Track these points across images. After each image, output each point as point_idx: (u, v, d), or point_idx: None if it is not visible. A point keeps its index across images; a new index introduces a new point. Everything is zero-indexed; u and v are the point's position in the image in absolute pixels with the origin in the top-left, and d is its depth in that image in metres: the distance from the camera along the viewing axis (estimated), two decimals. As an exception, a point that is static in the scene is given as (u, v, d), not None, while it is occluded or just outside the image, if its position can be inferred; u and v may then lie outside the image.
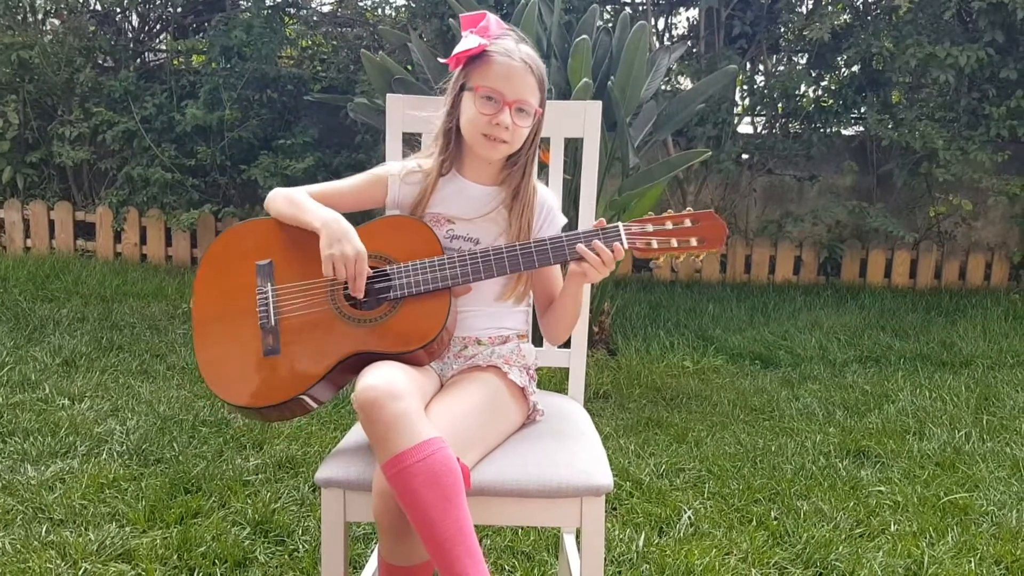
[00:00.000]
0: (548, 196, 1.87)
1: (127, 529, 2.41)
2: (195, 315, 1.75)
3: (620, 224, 1.69)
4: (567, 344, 2.04)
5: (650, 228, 1.68)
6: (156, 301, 5.01)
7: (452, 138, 1.80)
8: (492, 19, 1.76)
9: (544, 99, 1.78)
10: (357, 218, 1.72)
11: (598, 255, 1.66)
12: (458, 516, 1.48)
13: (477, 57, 1.73)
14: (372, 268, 1.70)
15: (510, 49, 1.72)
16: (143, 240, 6.14)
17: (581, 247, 1.66)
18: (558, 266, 1.83)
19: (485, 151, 1.75)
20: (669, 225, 1.68)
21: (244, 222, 1.82)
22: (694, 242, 1.68)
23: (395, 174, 1.84)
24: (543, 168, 2.20)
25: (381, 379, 1.53)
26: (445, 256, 1.69)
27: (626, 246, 1.67)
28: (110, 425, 3.12)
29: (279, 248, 1.75)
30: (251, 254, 1.75)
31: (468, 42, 1.73)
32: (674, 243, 1.68)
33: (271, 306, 1.70)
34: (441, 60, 1.86)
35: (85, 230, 6.28)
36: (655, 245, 1.68)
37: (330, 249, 1.67)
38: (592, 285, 1.95)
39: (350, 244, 1.67)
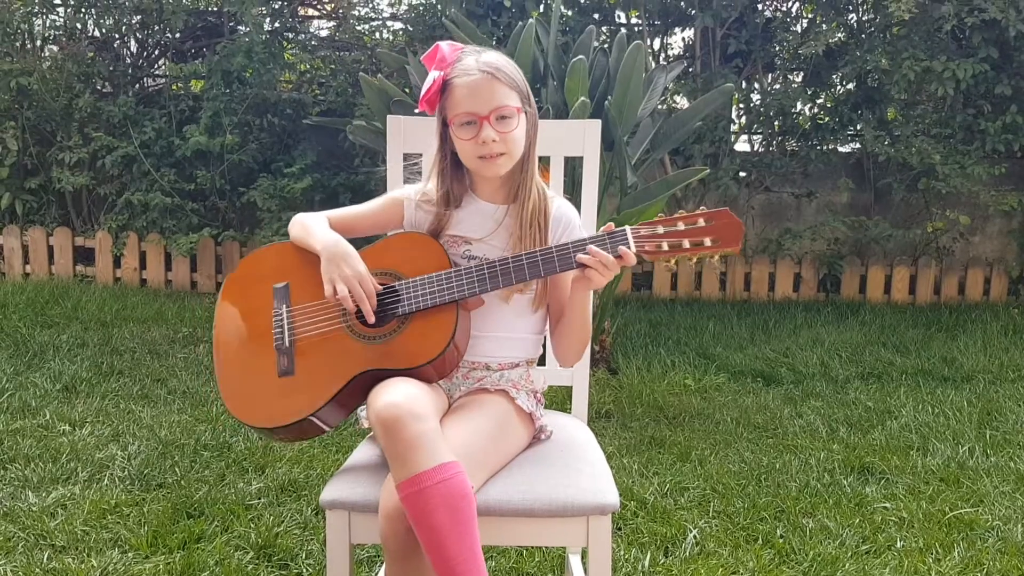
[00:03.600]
0: (566, 210, 1.84)
1: (130, 555, 2.40)
2: (216, 338, 1.77)
3: (628, 228, 1.63)
4: (570, 363, 2.04)
5: (660, 230, 1.62)
6: (156, 326, 5.00)
7: (449, 174, 1.79)
8: (443, 47, 1.75)
9: (526, 94, 1.74)
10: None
11: (598, 259, 1.61)
12: (471, 542, 1.48)
13: (444, 90, 1.72)
14: (382, 285, 1.71)
15: (468, 67, 1.70)
16: (143, 265, 6.13)
17: (580, 255, 1.63)
18: (571, 283, 1.82)
19: (490, 171, 1.74)
20: (681, 226, 1.61)
21: (264, 247, 1.86)
22: (708, 242, 1.60)
23: (411, 197, 1.86)
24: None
25: (403, 396, 1.53)
26: (452, 270, 1.69)
27: (633, 250, 1.62)
28: (111, 450, 3.11)
29: (296, 271, 1.78)
30: (269, 277, 1.79)
31: (427, 81, 1.73)
32: (686, 244, 1.61)
33: (285, 328, 1.72)
34: (416, 111, 1.86)
35: (84, 255, 6.28)
36: (666, 247, 1.61)
37: (329, 272, 1.69)
38: (593, 304, 1.95)
39: (349, 266, 1.68)
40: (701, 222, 1.61)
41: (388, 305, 1.70)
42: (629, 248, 1.62)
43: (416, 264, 1.72)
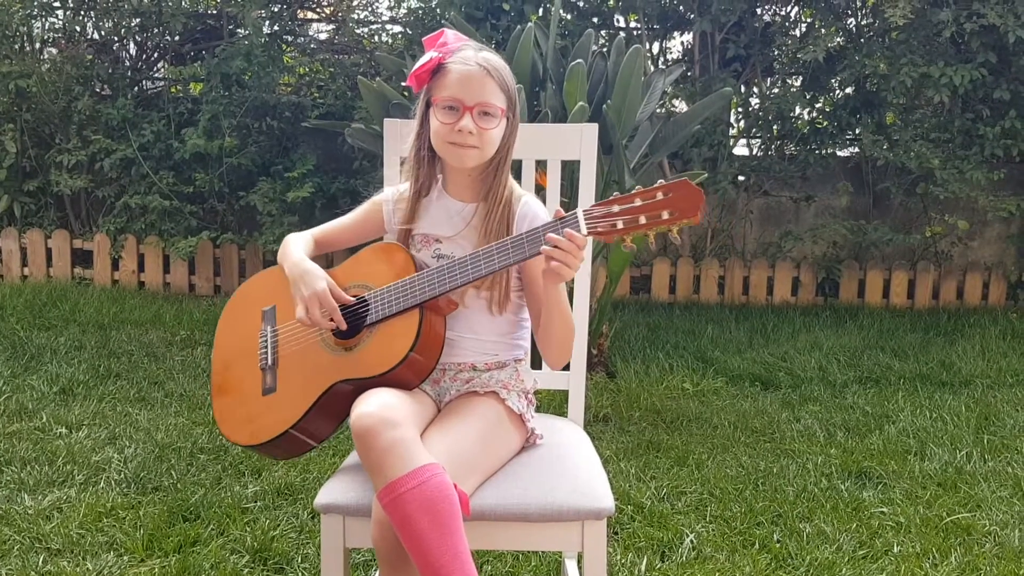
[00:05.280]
0: (532, 205, 1.81)
1: (125, 558, 2.39)
2: (213, 365, 1.83)
3: (579, 209, 1.58)
4: (566, 366, 2.03)
5: (615, 208, 1.55)
6: (154, 328, 5.00)
7: (425, 158, 1.80)
8: (450, 34, 1.77)
9: (513, 101, 1.76)
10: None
11: (558, 247, 1.56)
12: (454, 543, 1.46)
13: (437, 72, 1.74)
14: (354, 297, 1.74)
15: (466, 57, 1.72)
16: (141, 267, 6.13)
17: (544, 248, 1.58)
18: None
19: (455, 160, 1.75)
20: (638, 202, 1.54)
21: (258, 273, 1.92)
22: (665, 215, 1.52)
23: (388, 200, 1.88)
24: (540, 191, 2.20)
25: (376, 406, 1.53)
26: (416, 275, 1.70)
27: (584, 232, 1.56)
28: (108, 453, 3.10)
29: (281, 292, 1.81)
30: (259, 302, 1.84)
31: (423, 58, 1.74)
32: (643, 220, 1.53)
33: (269, 347, 1.76)
34: (403, 84, 1.87)
35: (83, 258, 6.27)
36: (620, 225, 1.55)
37: (294, 293, 1.74)
38: (590, 307, 1.94)
39: (306, 285, 1.72)
40: (659, 195, 1.54)
41: (360, 317, 1.72)
42: (580, 230, 1.57)
43: (384, 274, 1.74)
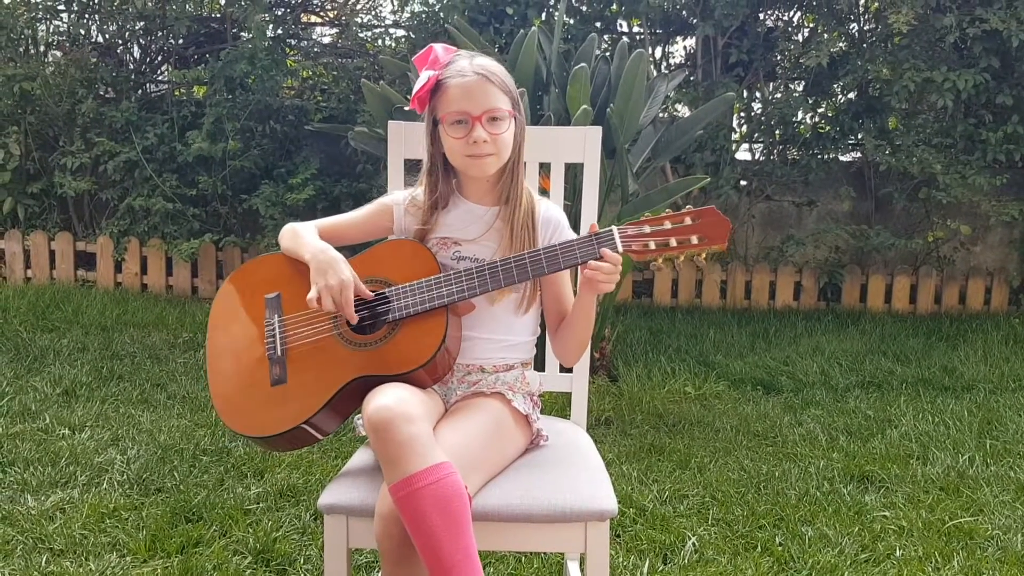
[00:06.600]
0: (553, 211, 1.86)
1: (128, 559, 2.40)
2: (208, 350, 1.79)
3: (614, 227, 1.65)
4: (569, 369, 2.04)
5: (647, 229, 1.63)
6: (157, 330, 5.01)
7: (439, 173, 1.81)
8: (438, 48, 1.78)
9: (516, 99, 1.77)
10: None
11: (600, 270, 1.63)
12: (466, 543, 1.48)
13: (436, 90, 1.75)
14: (372, 292, 1.72)
15: (462, 68, 1.73)
16: (144, 270, 6.14)
17: (588, 271, 1.64)
18: (568, 282, 1.84)
19: (476, 170, 1.76)
20: (668, 225, 1.63)
21: (256, 258, 1.87)
22: (695, 240, 1.62)
23: (400, 203, 1.88)
24: (543, 195, 2.21)
25: (394, 400, 1.54)
26: (441, 275, 1.70)
27: (620, 250, 1.63)
28: (110, 455, 3.11)
29: (287, 281, 1.79)
30: (261, 288, 1.80)
31: (420, 79, 1.75)
32: (673, 243, 1.62)
33: (277, 337, 1.73)
34: (406, 108, 1.88)
35: (86, 260, 6.29)
36: (652, 246, 1.63)
37: (316, 280, 1.70)
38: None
39: (334, 274, 1.69)
40: (688, 220, 1.63)
41: (379, 312, 1.71)
42: (616, 249, 1.64)
43: (406, 270, 1.73)
